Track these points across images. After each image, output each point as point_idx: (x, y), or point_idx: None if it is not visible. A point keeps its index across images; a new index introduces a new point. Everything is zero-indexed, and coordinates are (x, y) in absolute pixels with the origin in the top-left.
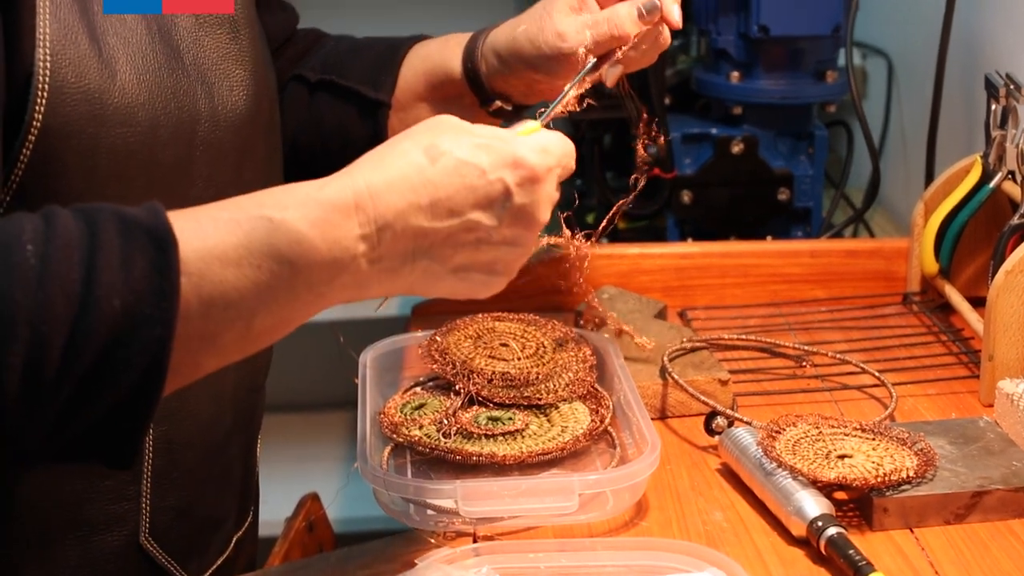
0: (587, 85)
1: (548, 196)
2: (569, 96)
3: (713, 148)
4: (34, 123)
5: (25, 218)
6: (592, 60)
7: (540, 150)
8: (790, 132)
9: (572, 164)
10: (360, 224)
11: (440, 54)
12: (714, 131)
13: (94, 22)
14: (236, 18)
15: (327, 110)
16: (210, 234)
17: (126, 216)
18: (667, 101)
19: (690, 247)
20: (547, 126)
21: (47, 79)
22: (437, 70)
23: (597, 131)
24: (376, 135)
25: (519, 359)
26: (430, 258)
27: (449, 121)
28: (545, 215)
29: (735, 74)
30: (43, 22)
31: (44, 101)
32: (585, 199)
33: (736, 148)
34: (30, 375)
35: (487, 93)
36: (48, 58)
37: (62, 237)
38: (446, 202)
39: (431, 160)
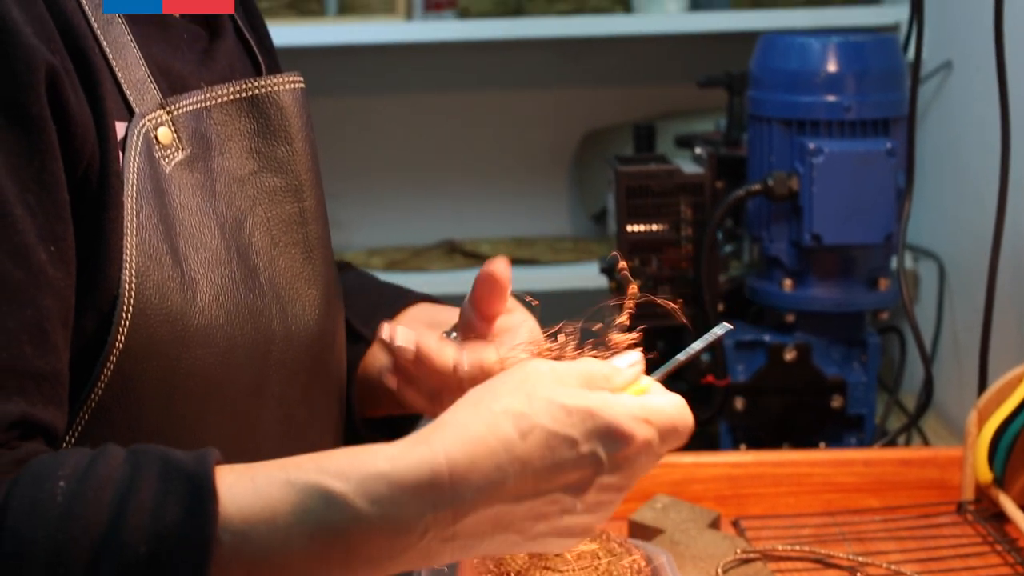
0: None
1: (640, 468)
2: (690, 355)
3: (766, 355)
4: (117, 344)
5: (74, 453)
6: (726, 327)
7: (641, 418)
8: (843, 339)
9: (678, 439)
10: (434, 504)
11: (447, 311)
12: (767, 338)
13: (176, 243)
14: (310, 239)
15: None
16: (261, 494)
17: (171, 459)
18: (720, 308)
19: (743, 456)
20: (664, 383)
21: (131, 301)
22: (435, 322)
23: (650, 338)
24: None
25: (573, 570)
26: (509, 532)
27: (544, 373)
28: (631, 486)
29: (788, 282)
30: (130, 244)
31: (128, 323)
32: None
33: (789, 355)
34: None
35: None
36: (133, 280)
37: (100, 477)
38: (532, 480)
39: (521, 435)
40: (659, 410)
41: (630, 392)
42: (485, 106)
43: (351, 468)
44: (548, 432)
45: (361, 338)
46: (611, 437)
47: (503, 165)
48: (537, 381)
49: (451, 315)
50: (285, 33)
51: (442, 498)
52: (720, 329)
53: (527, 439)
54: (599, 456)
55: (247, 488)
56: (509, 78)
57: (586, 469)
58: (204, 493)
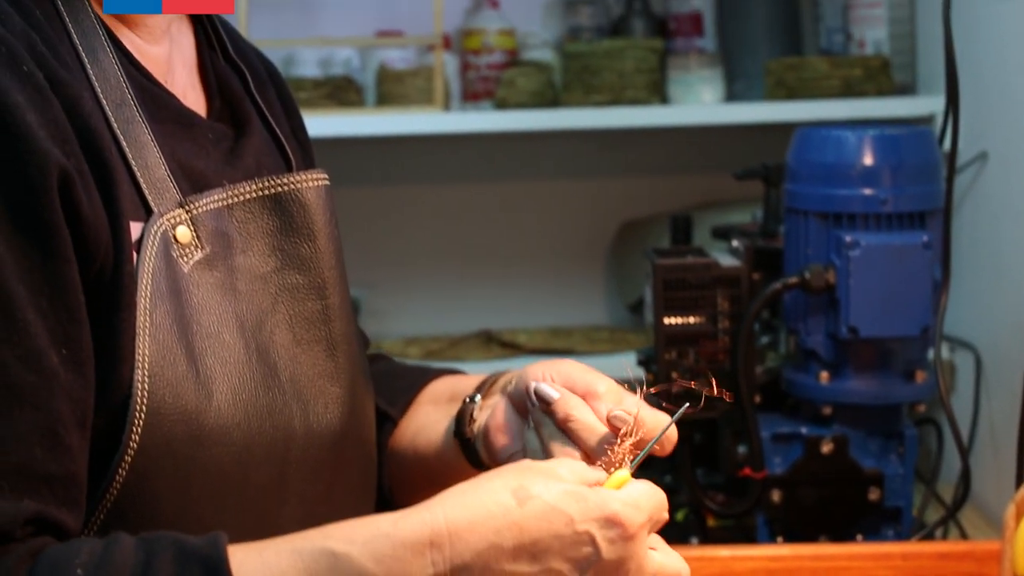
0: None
1: (638, 556)
2: (651, 446)
3: (803, 448)
4: (131, 444)
5: (87, 542)
6: (685, 406)
7: (632, 505)
8: (880, 432)
9: (665, 516)
10: (434, 563)
11: (464, 381)
12: (804, 431)
13: (192, 343)
14: (334, 336)
15: None
16: (270, 565)
17: (184, 545)
18: (757, 400)
19: (780, 549)
20: (634, 475)
21: (145, 401)
22: (456, 392)
23: (687, 429)
24: (378, 448)
25: None
26: None
27: (539, 465)
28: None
29: (824, 374)
30: (142, 344)
31: (141, 422)
32: (675, 496)
33: (826, 448)
34: None
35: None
36: (146, 380)
37: (116, 564)
38: (530, 547)
39: (519, 502)
40: (644, 496)
41: (611, 485)
42: (522, 196)
43: (355, 532)
44: (545, 503)
45: (388, 418)
46: (607, 520)
47: (540, 255)
48: (536, 466)
49: (471, 384)
50: (324, 124)
51: (442, 556)
52: (682, 409)
53: (525, 506)
54: (595, 537)
55: (256, 563)
56: (546, 168)
57: (583, 547)
58: (219, 574)
